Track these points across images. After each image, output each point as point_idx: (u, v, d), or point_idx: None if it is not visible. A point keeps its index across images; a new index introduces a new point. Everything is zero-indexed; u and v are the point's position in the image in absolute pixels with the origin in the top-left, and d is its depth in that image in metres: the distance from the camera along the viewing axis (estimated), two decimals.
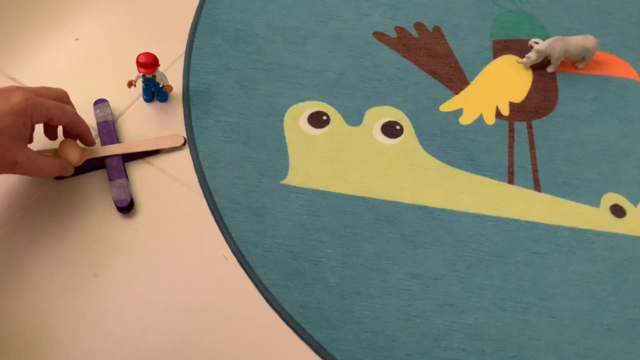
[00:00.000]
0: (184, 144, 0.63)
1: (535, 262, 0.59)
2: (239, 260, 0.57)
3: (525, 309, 0.56)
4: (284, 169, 0.62)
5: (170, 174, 0.61)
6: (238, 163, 0.62)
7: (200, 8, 0.73)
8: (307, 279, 0.56)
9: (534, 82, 0.71)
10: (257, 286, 0.55)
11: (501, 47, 0.74)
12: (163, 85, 0.63)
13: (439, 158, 0.64)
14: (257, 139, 0.64)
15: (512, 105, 0.69)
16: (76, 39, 0.70)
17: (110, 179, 0.59)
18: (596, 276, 0.58)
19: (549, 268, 0.58)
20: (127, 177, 0.60)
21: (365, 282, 0.56)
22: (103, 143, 0.61)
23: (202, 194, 0.60)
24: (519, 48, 0.74)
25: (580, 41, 0.70)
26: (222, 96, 0.66)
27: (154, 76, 0.62)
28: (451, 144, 0.65)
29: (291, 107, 0.66)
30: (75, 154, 0.57)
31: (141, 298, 0.55)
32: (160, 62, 0.61)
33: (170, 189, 0.60)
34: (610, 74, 0.73)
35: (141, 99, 0.66)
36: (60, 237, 0.57)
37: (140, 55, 0.60)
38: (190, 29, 0.72)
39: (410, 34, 0.74)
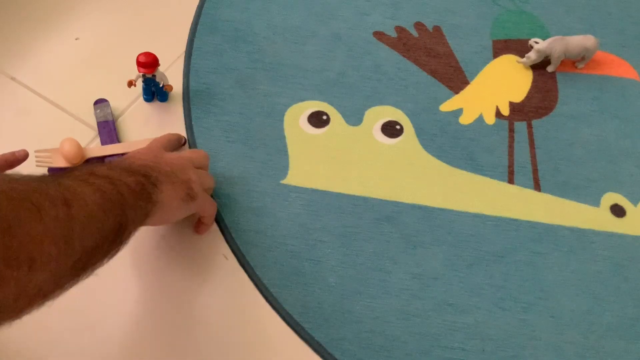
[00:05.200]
0: (184, 143, 0.63)
1: (535, 262, 0.59)
2: (239, 260, 0.57)
3: (525, 309, 0.56)
4: (284, 168, 0.62)
5: None
6: (238, 163, 0.62)
7: (200, 8, 0.73)
8: (307, 278, 0.56)
9: (534, 81, 0.71)
10: (257, 286, 0.56)
11: (501, 47, 0.74)
12: (163, 85, 0.63)
13: (439, 158, 0.64)
14: (257, 139, 0.64)
15: (512, 105, 0.69)
16: (76, 39, 0.70)
17: None
18: (596, 276, 0.58)
19: (549, 268, 0.58)
20: None
21: (365, 282, 0.56)
22: (103, 143, 0.61)
23: None
24: (519, 48, 0.74)
25: (580, 41, 0.70)
26: (222, 96, 0.66)
27: (154, 76, 0.62)
28: (451, 143, 0.65)
29: (291, 107, 0.66)
30: (75, 153, 0.57)
31: (141, 298, 0.55)
32: (160, 62, 0.61)
33: None
34: (610, 74, 0.73)
35: (141, 98, 0.66)
36: None
37: (140, 55, 0.60)
38: (190, 29, 0.72)
39: (411, 34, 0.74)
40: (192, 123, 0.64)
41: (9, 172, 0.52)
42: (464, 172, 0.64)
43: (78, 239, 0.36)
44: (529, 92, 0.70)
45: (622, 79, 0.72)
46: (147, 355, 0.52)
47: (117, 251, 0.42)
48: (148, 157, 0.50)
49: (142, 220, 0.45)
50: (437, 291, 0.56)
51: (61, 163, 0.58)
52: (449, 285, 0.57)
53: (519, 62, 0.72)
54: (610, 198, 0.63)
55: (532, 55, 0.70)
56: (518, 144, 0.66)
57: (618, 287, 0.58)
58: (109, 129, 0.62)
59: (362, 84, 0.69)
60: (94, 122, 0.63)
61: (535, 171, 0.64)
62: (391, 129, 0.66)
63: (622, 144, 0.67)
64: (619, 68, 0.73)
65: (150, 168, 0.47)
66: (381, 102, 0.68)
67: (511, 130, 0.67)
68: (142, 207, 0.44)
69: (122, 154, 0.60)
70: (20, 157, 0.54)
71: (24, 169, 0.59)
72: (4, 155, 0.54)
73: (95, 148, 0.60)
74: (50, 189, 0.36)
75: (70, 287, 0.38)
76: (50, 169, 0.59)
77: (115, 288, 0.55)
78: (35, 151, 0.58)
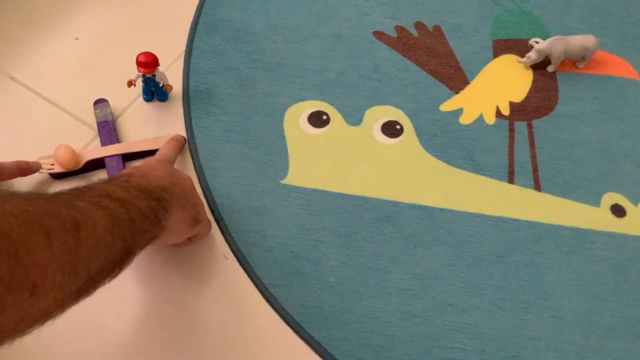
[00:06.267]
0: (184, 143, 0.63)
1: (535, 262, 0.59)
2: (239, 260, 0.57)
3: (525, 309, 0.56)
4: (284, 168, 0.62)
5: None
6: (238, 163, 0.62)
7: (200, 8, 0.73)
8: (307, 278, 0.56)
9: (534, 81, 0.71)
10: (257, 286, 0.55)
11: (501, 47, 0.74)
12: (163, 85, 0.63)
13: (439, 157, 0.64)
14: (257, 139, 0.64)
15: (512, 105, 0.69)
16: (76, 39, 0.70)
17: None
18: (596, 276, 0.58)
19: (549, 268, 0.58)
20: None
21: (365, 282, 0.56)
22: (103, 143, 0.61)
23: (202, 194, 0.60)
24: (519, 47, 0.74)
25: (581, 41, 0.70)
26: (222, 96, 0.66)
27: (153, 75, 0.61)
28: (451, 143, 0.65)
29: (291, 107, 0.66)
30: (69, 159, 0.57)
31: (141, 297, 0.55)
32: (160, 62, 0.61)
33: None
34: (610, 74, 0.73)
35: (141, 98, 0.66)
36: None
37: (140, 54, 0.60)
38: (190, 29, 0.72)
39: (411, 34, 0.74)
40: (192, 123, 0.64)
41: (20, 187, 0.53)
42: (464, 172, 0.64)
43: (84, 265, 0.36)
44: (529, 92, 0.70)
45: (622, 79, 0.72)
46: (147, 354, 0.52)
47: (119, 273, 0.42)
48: (164, 174, 0.49)
49: (147, 243, 0.45)
50: (437, 291, 0.56)
51: (57, 168, 0.58)
52: (449, 285, 0.57)
53: (519, 62, 0.72)
54: (611, 198, 0.63)
55: (532, 55, 0.70)
56: (518, 144, 0.66)
57: (618, 287, 0.58)
58: (108, 129, 0.62)
59: (362, 84, 0.69)
60: (93, 122, 0.63)
61: (535, 171, 0.64)
62: (391, 129, 0.66)
63: (622, 144, 0.67)
64: (619, 68, 0.73)
65: (164, 190, 0.47)
66: (381, 102, 0.68)
67: (511, 130, 0.67)
68: (150, 232, 0.44)
69: (122, 155, 0.60)
70: (34, 168, 0.57)
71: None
72: (19, 162, 0.56)
73: (94, 149, 0.60)
74: (62, 211, 0.36)
75: (71, 307, 0.38)
76: (51, 174, 0.59)
77: (115, 288, 0.55)
78: (37, 159, 0.58)
